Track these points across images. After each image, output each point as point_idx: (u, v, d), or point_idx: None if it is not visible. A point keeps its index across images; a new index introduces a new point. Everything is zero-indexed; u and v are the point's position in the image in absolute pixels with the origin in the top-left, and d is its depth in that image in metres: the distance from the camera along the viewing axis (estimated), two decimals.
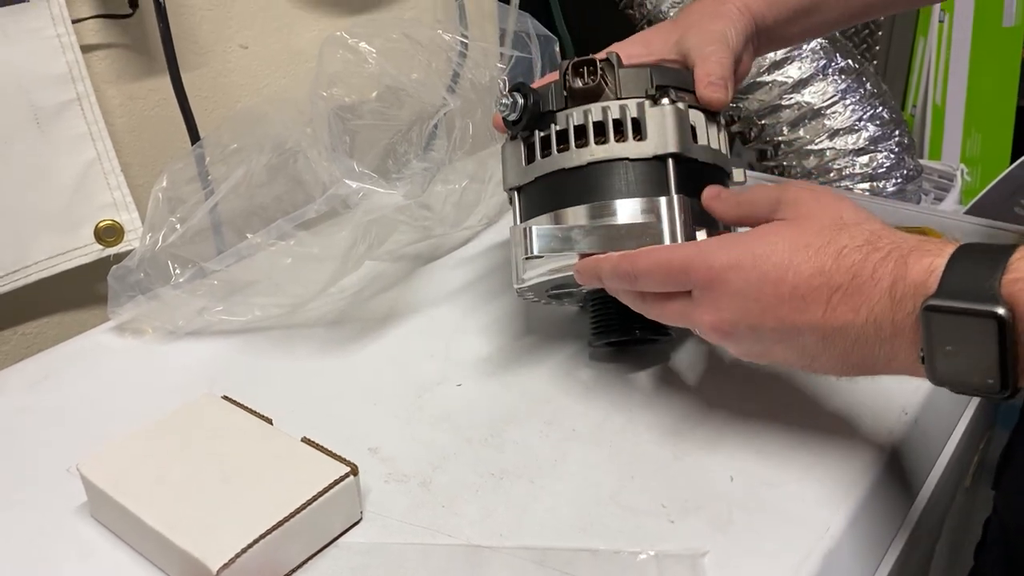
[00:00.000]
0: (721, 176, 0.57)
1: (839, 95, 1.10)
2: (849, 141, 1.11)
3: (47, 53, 0.68)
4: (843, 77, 1.10)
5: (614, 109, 0.53)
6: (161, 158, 0.81)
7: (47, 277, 0.73)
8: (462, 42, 0.72)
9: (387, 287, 0.71)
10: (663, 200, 0.51)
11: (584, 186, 0.53)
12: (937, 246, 0.38)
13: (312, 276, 0.64)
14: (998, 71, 1.72)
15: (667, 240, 0.51)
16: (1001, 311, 0.34)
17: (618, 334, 0.57)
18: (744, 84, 1.11)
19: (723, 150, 0.57)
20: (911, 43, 1.74)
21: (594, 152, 0.53)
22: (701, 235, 0.52)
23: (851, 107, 1.10)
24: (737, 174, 0.59)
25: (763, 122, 1.13)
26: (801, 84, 1.09)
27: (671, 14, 1.11)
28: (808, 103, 1.10)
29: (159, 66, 0.77)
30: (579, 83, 0.54)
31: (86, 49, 0.72)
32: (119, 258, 0.66)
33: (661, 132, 0.52)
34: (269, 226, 0.62)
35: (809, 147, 1.12)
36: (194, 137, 0.77)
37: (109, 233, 0.74)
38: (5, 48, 0.66)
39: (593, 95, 0.54)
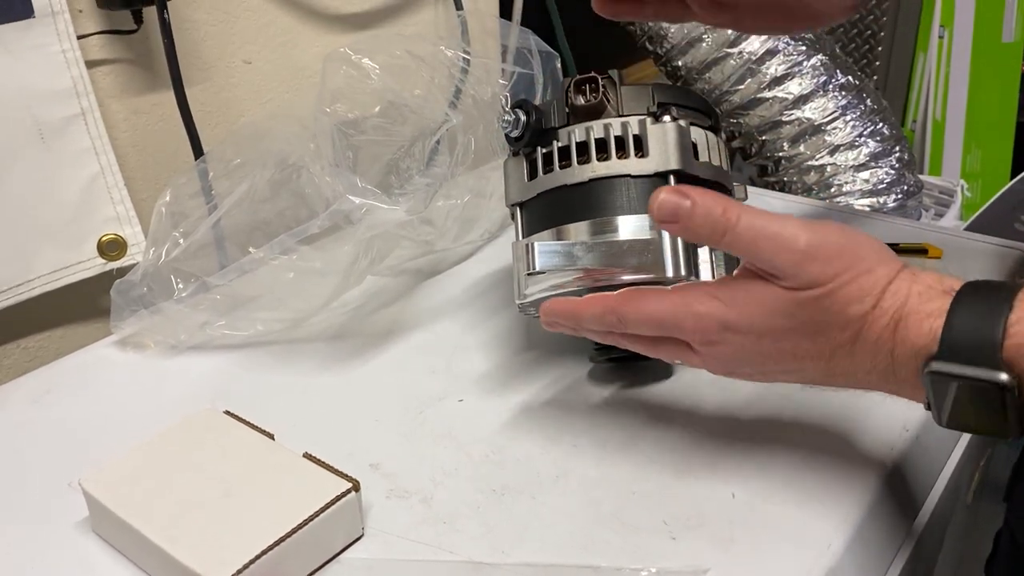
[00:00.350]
0: (723, 192, 0.57)
1: (839, 111, 1.10)
2: (850, 157, 1.11)
3: (52, 68, 0.69)
4: (843, 93, 1.10)
5: (616, 126, 0.54)
6: (164, 172, 0.81)
7: (50, 291, 0.73)
8: (464, 58, 0.73)
9: (389, 302, 0.71)
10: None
11: (586, 202, 0.54)
12: (937, 304, 0.37)
13: (314, 291, 0.64)
14: (998, 87, 1.73)
15: (668, 256, 0.51)
16: (1004, 378, 0.34)
17: (620, 350, 0.57)
18: (745, 100, 1.11)
19: (724, 167, 0.57)
20: (911, 59, 1.75)
21: (596, 168, 0.53)
22: (702, 252, 0.52)
23: (851, 123, 1.10)
24: (738, 190, 0.59)
25: (764, 138, 1.13)
26: (802, 100, 1.10)
27: (672, 30, 1.12)
28: (809, 119, 1.10)
29: (163, 81, 0.77)
30: (581, 100, 0.55)
31: (91, 64, 0.73)
32: (122, 272, 0.66)
33: (663, 149, 0.53)
34: (272, 241, 0.62)
35: (810, 163, 1.12)
36: (197, 152, 0.77)
37: (112, 247, 0.75)
38: (10, 63, 0.67)
39: (595, 112, 0.55)
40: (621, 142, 0.54)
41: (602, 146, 0.54)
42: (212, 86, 0.84)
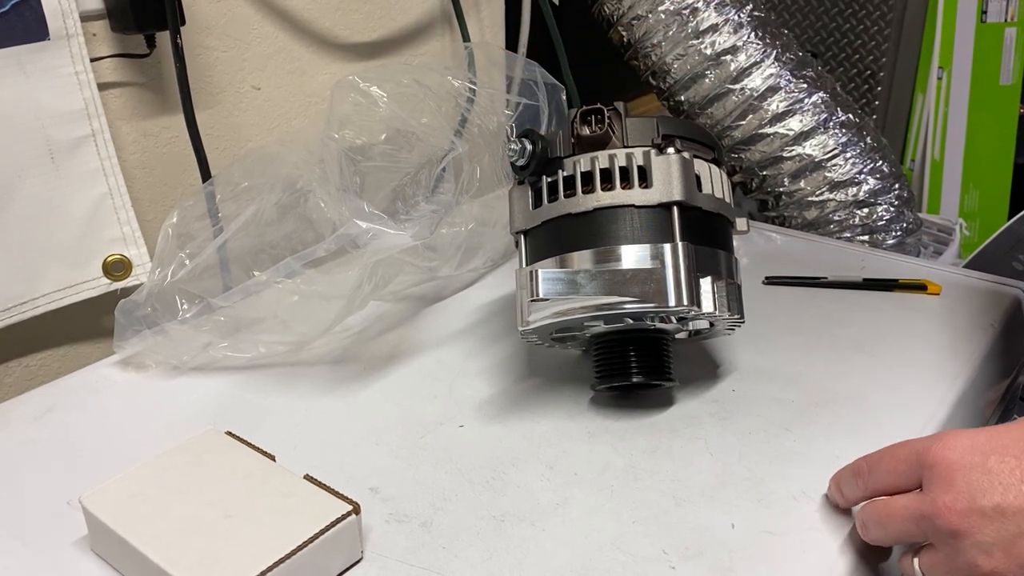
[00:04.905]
0: (724, 224, 0.58)
1: (840, 148, 1.11)
2: (849, 193, 1.12)
3: (65, 90, 0.70)
4: (844, 131, 1.12)
5: (620, 157, 0.55)
6: (171, 194, 0.82)
7: (53, 310, 0.73)
8: (470, 88, 0.74)
9: (391, 327, 0.71)
10: (668, 247, 0.53)
11: (590, 231, 0.54)
12: None
13: (317, 315, 0.64)
14: (996, 128, 1.75)
15: (671, 285, 0.52)
16: None
17: (621, 378, 0.57)
18: (746, 136, 1.12)
19: (727, 199, 0.58)
20: (910, 99, 1.77)
21: (600, 199, 0.54)
22: (705, 282, 0.53)
23: (852, 160, 1.12)
24: (740, 223, 0.60)
25: (764, 173, 1.14)
26: (802, 136, 1.11)
27: (675, 66, 1.14)
28: (809, 155, 1.12)
29: (173, 105, 0.78)
30: (587, 131, 0.56)
31: (103, 87, 0.74)
32: (126, 292, 0.66)
33: (667, 180, 0.54)
34: (278, 264, 0.62)
35: (810, 198, 1.13)
36: (205, 175, 0.78)
37: (117, 267, 0.75)
38: (24, 84, 0.68)
39: (600, 143, 0.56)
40: (625, 172, 0.54)
41: (607, 176, 0.55)
42: (221, 111, 0.85)
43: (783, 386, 0.60)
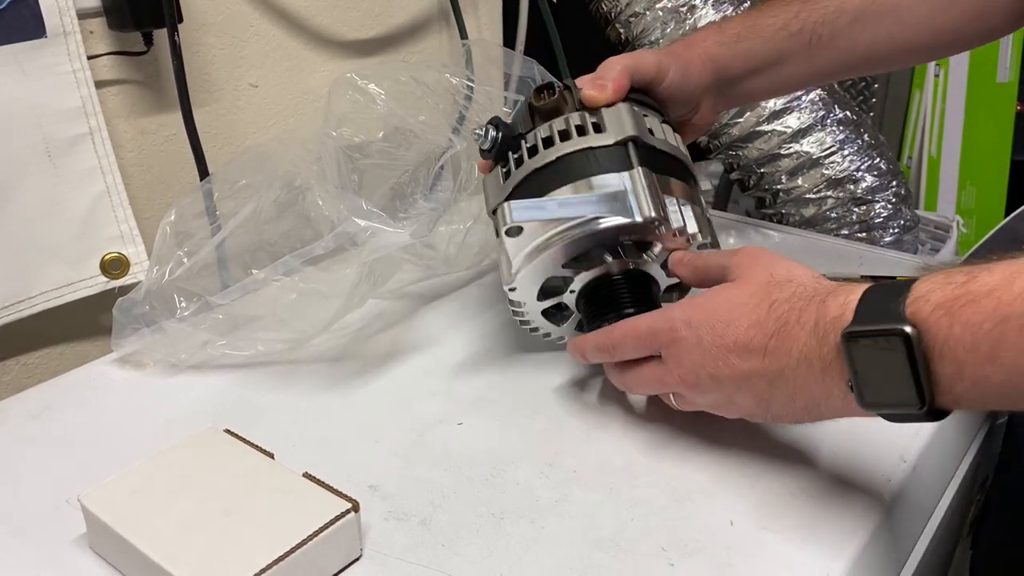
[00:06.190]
0: (683, 168, 0.61)
1: (837, 145, 1.11)
2: (847, 190, 1.12)
3: (62, 88, 0.70)
4: (841, 128, 1.12)
5: (575, 118, 0.59)
6: (169, 192, 0.82)
7: (51, 308, 0.73)
8: (468, 85, 0.74)
9: (390, 325, 0.71)
10: (628, 172, 0.56)
11: (555, 176, 0.58)
12: (853, 286, 0.43)
13: (316, 312, 0.64)
14: (992, 126, 1.75)
15: (634, 201, 0.54)
16: (907, 329, 0.38)
17: (611, 313, 0.57)
18: (744, 133, 1.12)
19: (682, 149, 0.62)
20: (907, 96, 1.77)
21: (561, 148, 0.58)
22: (670, 202, 0.56)
23: (849, 157, 1.12)
24: (702, 181, 0.62)
25: (762, 170, 1.14)
26: (800, 134, 1.11)
27: None
28: (807, 152, 1.12)
29: (170, 102, 0.78)
30: (540, 101, 0.61)
31: (100, 84, 0.74)
32: (124, 290, 0.66)
33: (619, 124, 0.58)
34: (276, 261, 0.62)
35: (808, 196, 1.13)
36: (203, 173, 0.78)
37: (115, 265, 0.75)
38: (22, 82, 0.67)
39: (556, 112, 0.60)
40: (582, 129, 0.59)
41: (565, 135, 0.59)
42: (219, 108, 0.85)
43: None
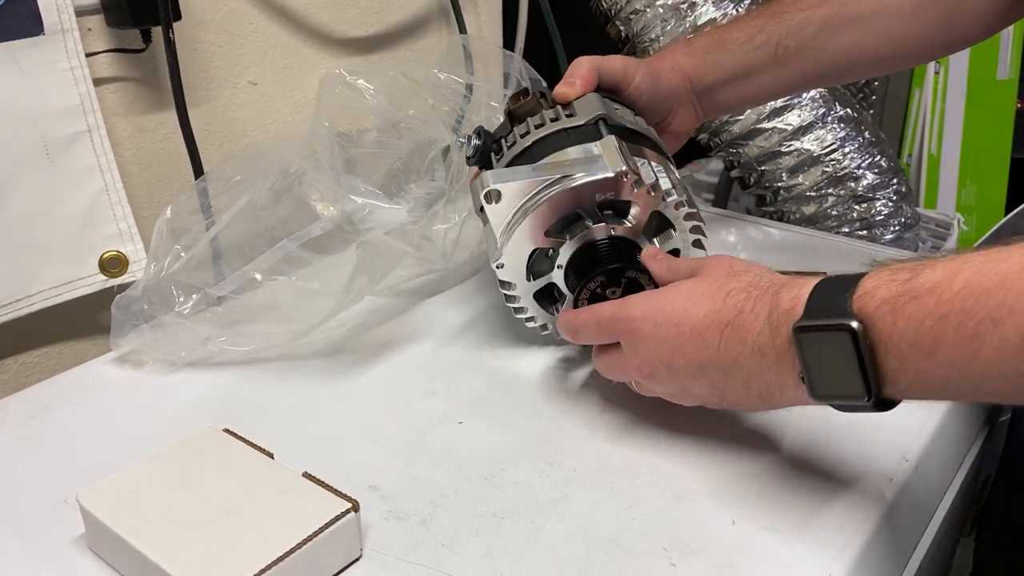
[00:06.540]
0: (655, 144, 0.63)
1: (838, 143, 1.11)
2: (848, 188, 1.12)
3: (60, 85, 0.69)
4: (842, 125, 1.11)
5: (549, 113, 0.63)
6: (168, 190, 0.81)
7: (49, 307, 0.73)
8: (456, 80, 0.75)
9: (389, 322, 0.71)
10: (599, 141, 0.59)
11: (532, 157, 0.60)
12: (806, 279, 0.44)
13: (314, 306, 0.64)
14: (993, 123, 1.75)
15: (605, 161, 0.56)
16: (853, 324, 0.39)
17: (596, 271, 0.58)
18: (744, 130, 1.12)
19: (653, 133, 0.65)
20: (907, 94, 1.77)
21: (536, 134, 0.62)
22: (643, 163, 0.58)
23: (850, 155, 1.11)
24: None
25: (763, 168, 1.14)
26: (801, 131, 1.10)
27: None
28: (807, 150, 1.11)
29: (169, 100, 0.78)
30: (517, 104, 0.65)
31: (98, 82, 0.73)
32: (122, 289, 0.66)
33: (589, 107, 0.62)
34: (274, 246, 0.62)
35: (808, 193, 1.13)
36: (198, 171, 0.77)
37: (113, 264, 0.75)
38: (19, 79, 0.67)
39: (532, 113, 0.64)
40: (555, 120, 0.62)
41: (540, 126, 0.63)
42: (218, 106, 0.84)
43: None
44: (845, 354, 0.40)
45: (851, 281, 0.41)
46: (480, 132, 0.64)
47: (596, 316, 0.54)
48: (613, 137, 0.58)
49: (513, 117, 0.65)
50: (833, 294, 0.41)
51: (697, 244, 0.60)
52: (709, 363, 0.47)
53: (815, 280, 0.43)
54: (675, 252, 0.60)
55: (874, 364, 0.40)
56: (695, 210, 0.59)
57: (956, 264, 0.37)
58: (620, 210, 0.58)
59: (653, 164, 0.59)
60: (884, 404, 0.41)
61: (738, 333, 0.46)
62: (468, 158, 0.64)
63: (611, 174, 0.56)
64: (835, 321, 0.40)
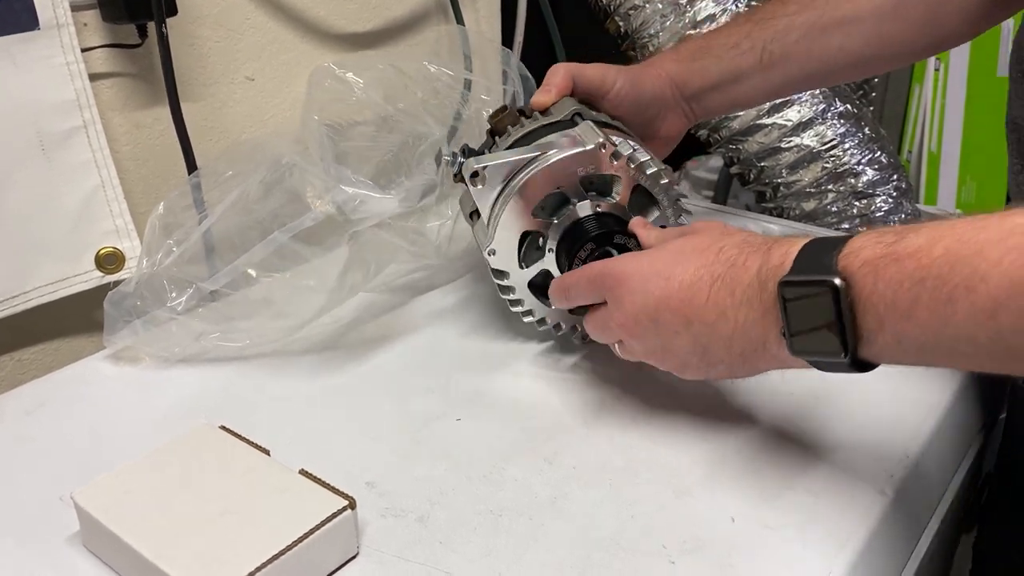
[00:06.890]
0: (630, 135, 0.64)
1: (838, 139, 1.11)
2: (848, 184, 1.12)
3: (56, 81, 0.69)
4: (842, 121, 1.11)
5: (528, 120, 0.65)
6: (164, 186, 0.81)
7: (45, 303, 0.72)
8: (448, 74, 0.76)
9: (386, 320, 0.71)
10: (576, 126, 0.61)
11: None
12: (796, 238, 0.45)
13: (308, 301, 0.64)
14: (993, 120, 1.74)
15: (582, 137, 0.58)
16: (836, 281, 0.40)
17: (584, 243, 0.59)
18: (744, 127, 1.12)
19: (629, 128, 0.66)
20: (907, 90, 1.77)
21: (514, 134, 0.64)
22: (619, 140, 0.59)
23: (850, 151, 1.11)
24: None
25: (762, 164, 1.14)
26: (801, 127, 1.10)
27: None
28: (807, 146, 1.11)
29: (164, 95, 0.77)
30: (496, 119, 0.66)
31: (94, 77, 0.73)
32: (119, 285, 0.65)
33: (564, 107, 0.64)
34: (267, 238, 0.62)
35: (808, 189, 1.13)
36: (191, 167, 0.77)
37: (110, 260, 0.74)
38: (15, 75, 0.67)
39: (511, 124, 0.66)
40: (534, 122, 0.65)
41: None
42: (215, 102, 0.84)
43: (782, 378, 0.60)
44: (825, 310, 0.41)
45: (839, 241, 0.42)
46: (465, 150, 0.66)
47: (586, 272, 0.55)
48: (589, 121, 0.61)
49: (495, 132, 0.67)
50: (820, 252, 0.42)
51: (679, 212, 0.62)
52: (695, 318, 0.48)
53: (807, 239, 0.44)
54: (661, 228, 0.61)
55: (853, 322, 0.40)
56: (674, 179, 0.61)
57: (940, 230, 0.38)
58: (603, 189, 0.60)
59: (631, 142, 0.60)
60: (861, 365, 0.42)
61: (728, 285, 0.46)
62: (455, 176, 0.65)
63: (590, 146, 0.57)
64: (818, 277, 0.41)
